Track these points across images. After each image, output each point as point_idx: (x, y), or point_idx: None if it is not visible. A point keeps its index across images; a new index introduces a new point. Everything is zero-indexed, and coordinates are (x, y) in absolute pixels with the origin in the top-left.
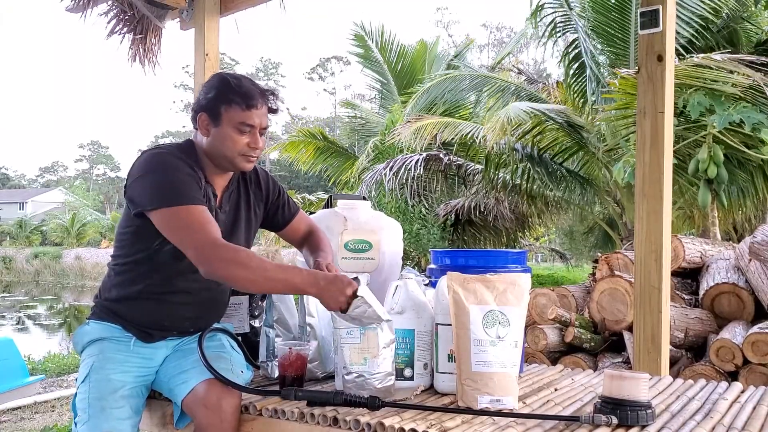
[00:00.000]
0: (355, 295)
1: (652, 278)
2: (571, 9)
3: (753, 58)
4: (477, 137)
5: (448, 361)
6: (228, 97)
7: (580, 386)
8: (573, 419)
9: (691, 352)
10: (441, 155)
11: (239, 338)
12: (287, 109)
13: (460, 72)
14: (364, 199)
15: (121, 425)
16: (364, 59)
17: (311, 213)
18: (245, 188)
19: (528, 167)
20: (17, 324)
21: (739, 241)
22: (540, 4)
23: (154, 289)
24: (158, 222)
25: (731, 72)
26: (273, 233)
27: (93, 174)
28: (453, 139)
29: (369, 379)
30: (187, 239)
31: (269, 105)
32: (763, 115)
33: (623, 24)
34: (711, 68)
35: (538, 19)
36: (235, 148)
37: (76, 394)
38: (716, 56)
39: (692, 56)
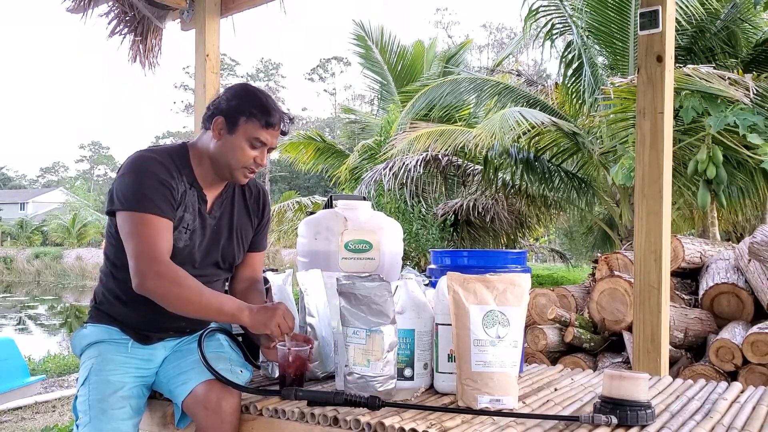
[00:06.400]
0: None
1: (651, 278)
2: (566, 11)
3: (736, 76)
4: (470, 145)
5: (448, 361)
6: (251, 110)
7: (579, 386)
8: (573, 419)
9: (691, 352)
10: (440, 156)
11: (239, 338)
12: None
13: (458, 76)
14: (364, 199)
15: (123, 425)
16: (365, 59)
17: (311, 213)
18: (242, 198)
19: (522, 171)
20: (18, 324)
21: (738, 241)
22: (534, 8)
23: None
24: (118, 224)
25: (723, 76)
26: (274, 235)
27: (94, 174)
28: (447, 151)
29: (371, 381)
30: (131, 247)
31: (282, 128)
32: (759, 117)
33: (622, 25)
34: (696, 78)
35: (533, 21)
36: (242, 161)
37: (76, 396)
38: (703, 68)
39: (680, 66)
